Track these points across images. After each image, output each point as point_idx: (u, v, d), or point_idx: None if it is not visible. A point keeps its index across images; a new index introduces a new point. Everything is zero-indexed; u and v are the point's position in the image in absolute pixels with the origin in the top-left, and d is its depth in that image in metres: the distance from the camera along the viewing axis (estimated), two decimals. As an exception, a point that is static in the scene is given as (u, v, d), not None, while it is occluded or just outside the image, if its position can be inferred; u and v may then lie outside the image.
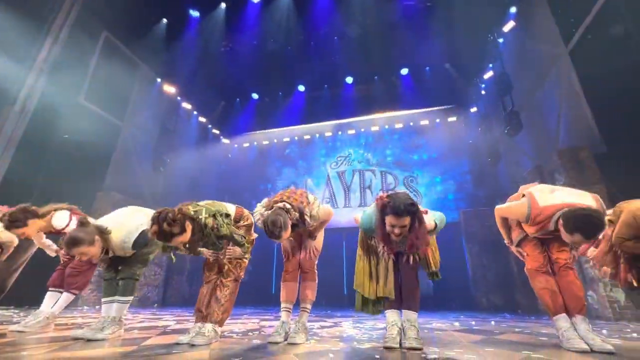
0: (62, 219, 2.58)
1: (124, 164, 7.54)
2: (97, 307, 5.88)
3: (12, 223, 2.36)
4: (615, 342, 2.07)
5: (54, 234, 2.64)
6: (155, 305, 7.18)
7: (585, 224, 1.69)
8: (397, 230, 1.72)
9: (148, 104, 8.41)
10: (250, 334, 2.47)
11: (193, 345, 1.81)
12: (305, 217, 1.99)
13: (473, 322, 3.61)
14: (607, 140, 4.77)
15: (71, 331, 2.15)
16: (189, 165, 9.84)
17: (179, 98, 9.38)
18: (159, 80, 8.73)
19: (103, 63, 6.90)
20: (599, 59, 4.90)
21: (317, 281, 2.31)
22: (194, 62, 8.94)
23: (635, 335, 2.43)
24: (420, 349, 1.71)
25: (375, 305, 1.97)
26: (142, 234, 2.20)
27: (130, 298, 2.25)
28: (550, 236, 1.99)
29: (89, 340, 1.92)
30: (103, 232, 2.14)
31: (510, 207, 2.12)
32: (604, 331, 2.76)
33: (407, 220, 1.69)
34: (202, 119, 10.52)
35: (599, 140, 4.81)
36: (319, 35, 8.73)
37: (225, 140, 11.55)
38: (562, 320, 1.86)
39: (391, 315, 1.94)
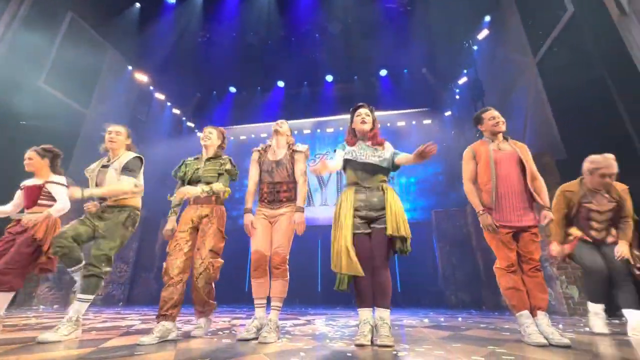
0: None
1: (89, 154, 7.07)
2: (55, 306, 5.50)
3: None
4: (570, 335, 2.20)
5: None
6: (120, 303, 6.85)
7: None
8: (363, 116, 2.27)
9: (117, 92, 7.96)
10: (220, 333, 2.40)
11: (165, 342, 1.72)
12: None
13: (442, 319, 3.73)
14: (567, 147, 5.09)
15: (21, 333, 1.98)
16: (161, 158, 9.44)
17: (151, 87, 8.97)
18: (130, 67, 8.30)
19: (67, 45, 6.45)
20: (563, 71, 5.21)
21: (288, 278, 2.21)
22: (168, 50, 8.57)
23: (587, 329, 2.61)
24: (391, 347, 1.72)
25: (346, 280, 1.92)
26: (136, 158, 2.49)
27: (92, 297, 2.10)
28: (524, 232, 2.09)
29: (39, 342, 1.78)
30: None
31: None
32: (560, 325, 2.95)
33: (368, 110, 2.30)
34: (176, 111, 10.14)
35: (561, 147, 5.13)
36: (300, 32, 8.66)
37: (201, 134, 11.20)
38: (524, 316, 1.96)
39: (363, 312, 1.94)
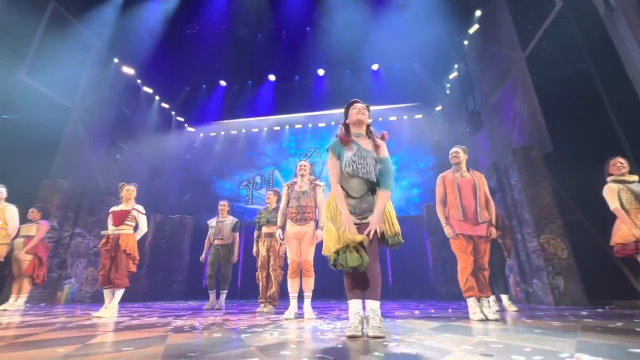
0: None
1: (75, 149, 6.92)
2: (42, 304, 5.40)
3: None
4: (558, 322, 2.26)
5: None
6: (110, 301, 6.75)
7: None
8: (359, 109, 2.17)
9: (103, 86, 7.76)
10: (212, 327, 2.38)
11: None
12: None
13: (432, 310, 3.79)
14: (554, 141, 5.18)
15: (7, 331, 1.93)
16: (150, 153, 9.29)
17: (139, 81, 8.76)
18: (116, 60, 8.08)
19: (50, 37, 6.24)
20: (551, 65, 5.29)
21: (313, 277, 3.33)
22: (155, 43, 8.35)
23: (572, 317, 2.68)
24: (382, 337, 1.73)
25: (350, 255, 1.84)
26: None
27: None
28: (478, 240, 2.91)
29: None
30: None
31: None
32: (541, 313, 3.02)
33: (363, 105, 2.20)
34: (165, 105, 9.95)
35: (548, 141, 5.22)
36: (291, 25, 8.56)
37: (191, 129, 11.03)
38: (472, 300, 2.81)
39: (354, 304, 1.95)
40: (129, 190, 3.87)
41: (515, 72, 6.16)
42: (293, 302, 3.23)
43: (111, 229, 3.70)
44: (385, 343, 1.62)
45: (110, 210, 3.82)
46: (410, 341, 1.67)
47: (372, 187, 2.08)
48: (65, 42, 6.49)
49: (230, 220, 5.03)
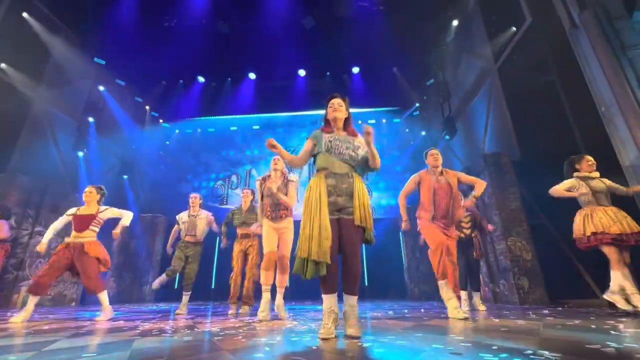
0: None
1: (37, 142, 6.49)
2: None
3: None
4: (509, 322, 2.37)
5: None
6: (73, 304, 6.37)
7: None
8: (336, 106, 2.21)
9: (70, 76, 7.33)
10: (182, 331, 2.30)
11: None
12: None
13: (406, 311, 3.87)
14: (522, 149, 5.46)
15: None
16: (120, 149, 8.88)
17: (110, 72, 8.34)
18: (86, 49, 7.65)
19: (12, 21, 5.81)
20: (520, 77, 5.57)
21: (289, 272, 3.19)
22: (131, 34, 8.00)
23: (534, 316, 2.83)
24: (358, 337, 1.74)
25: (312, 267, 1.84)
26: None
27: None
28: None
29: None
30: None
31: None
32: (508, 312, 3.17)
33: (340, 100, 2.24)
34: (139, 99, 9.54)
35: (516, 148, 5.49)
36: (273, 23, 8.47)
37: (165, 124, 10.64)
38: (444, 283, 2.95)
39: (328, 299, 1.90)
40: (86, 193, 3.52)
41: (488, 82, 6.44)
42: (266, 296, 3.10)
43: (74, 235, 3.35)
44: (359, 343, 1.63)
45: (70, 213, 3.48)
46: (384, 341, 1.69)
47: (351, 169, 2.09)
48: (29, 27, 6.08)
49: (204, 215, 4.60)
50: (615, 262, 2.85)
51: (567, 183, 3.29)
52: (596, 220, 2.98)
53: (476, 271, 4.17)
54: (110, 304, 3.33)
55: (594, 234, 2.95)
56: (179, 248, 4.45)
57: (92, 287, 3.21)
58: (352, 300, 1.91)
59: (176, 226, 4.67)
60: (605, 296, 2.94)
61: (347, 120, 2.27)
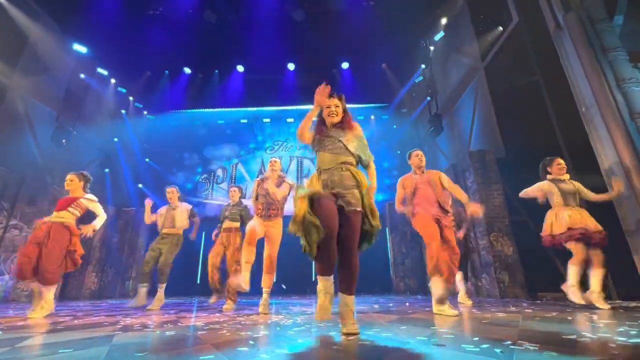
0: None
1: (12, 132, 6.20)
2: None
3: None
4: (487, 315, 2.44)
5: None
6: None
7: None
8: (332, 109, 2.16)
9: (48, 63, 7.02)
10: (165, 325, 2.26)
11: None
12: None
13: (391, 304, 3.92)
14: (506, 146, 5.59)
15: None
16: (102, 141, 8.60)
17: (92, 61, 8.04)
18: (66, 36, 7.33)
19: (-17, 2, 5.50)
20: (506, 76, 5.68)
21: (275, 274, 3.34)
22: (114, 21, 7.71)
23: (514, 308, 2.91)
24: (356, 334, 1.67)
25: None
26: None
27: None
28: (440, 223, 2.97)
29: None
30: None
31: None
32: (492, 308, 3.25)
33: (337, 101, 2.19)
34: (122, 89, 9.24)
35: (501, 146, 5.61)
36: (263, 15, 8.32)
37: (150, 116, 10.35)
38: (436, 279, 2.86)
39: (322, 283, 1.82)
40: (67, 182, 3.43)
41: (475, 80, 6.53)
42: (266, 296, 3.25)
43: (54, 214, 3.29)
44: (345, 336, 1.63)
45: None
46: (369, 334, 1.70)
47: (343, 158, 2.04)
48: (3, 11, 5.77)
49: (184, 207, 4.49)
50: (576, 258, 3.05)
51: (538, 185, 3.47)
52: (563, 220, 3.14)
53: (464, 268, 4.26)
54: (90, 299, 3.24)
55: (563, 232, 3.13)
56: (154, 242, 4.32)
57: (48, 274, 3.02)
58: (348, 299, 1.79)
59: (154, 215, 4.48)
60: (562, 287, 3.18)
61: (342, 121, 2.19)
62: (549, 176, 3.47)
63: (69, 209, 3.33)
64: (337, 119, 2.16)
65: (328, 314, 1.75)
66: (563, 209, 3.22)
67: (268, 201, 3.39)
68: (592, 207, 3.35)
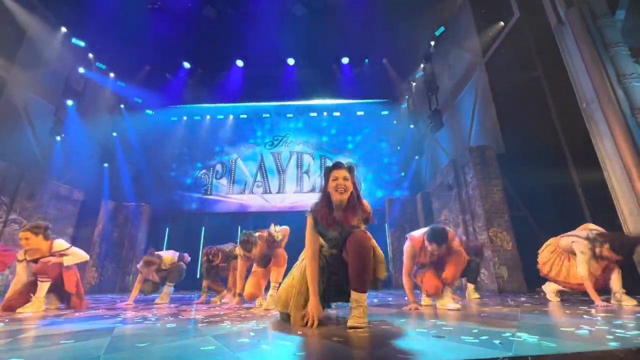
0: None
1: (11, 126, 6.18)
2: None
3: None
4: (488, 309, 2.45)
5: None
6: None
7: (434, 234, 2.68)
8: (340, 182, 1.82)
9: (47, 57, 6.97)
10: (166, 318, 2.27)
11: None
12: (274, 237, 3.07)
13: (390, 299, 3.94)
14: (506, 142, 5.58)
15: None
16: (101, 135, 8.57)
17: (90, 55, 7.99)
18: (64, 29, 7.28)
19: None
20: (506, 71, 5.66)
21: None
22: (112, 15, 7.64)
23: (513, 302, 2.93)
24: (361, 328, 1.63)
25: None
26: None
27: None
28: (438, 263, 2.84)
29: None
30: None
31: (405, 254, 2.94)
32: (489, 301, 3.27)
33: (347, 173, 1.86)
34: (121, 84, 9.19)
35: (501, 142, 5.60)
36: (262, 9, 8.26)
37: (149, 111, 10.31)
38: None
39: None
40: (23, 241, 3.00)
41: (476, 76, 6.50)
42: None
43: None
44: (345, 328, 1.64)
45: (20, 260, 3.08)
46: (369, 326, 1.71)
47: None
48: (1, 4, 5.72)
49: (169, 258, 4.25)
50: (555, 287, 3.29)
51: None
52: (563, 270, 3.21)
53: (474, 268, 4.17)
54: (90, 294, 3.24)
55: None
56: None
57: (45, 269, 2.98)
58: (358, 296, 1.72)
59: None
60: (543, 287, 3.43)
61: (350, 199, 1.86)
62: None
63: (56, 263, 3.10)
64: (346, 196, 1.84)
65: (319, 313, 1.78)
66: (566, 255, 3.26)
67: (262, 253, 3.13)
68: (593, 209, 3.30)
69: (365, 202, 1.95)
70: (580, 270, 2.89)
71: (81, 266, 7.05)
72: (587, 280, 2.83)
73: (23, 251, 3.06)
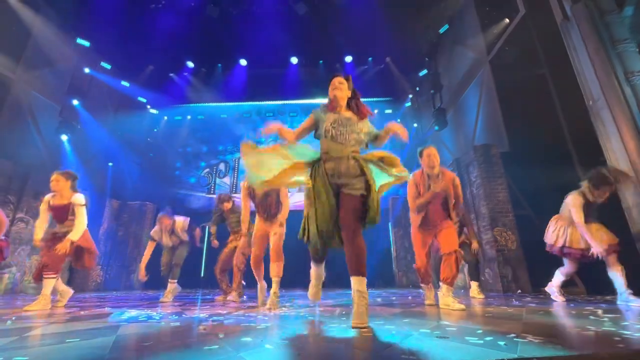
0: None
1: (17, 126, 6.24)
2: None
3: None
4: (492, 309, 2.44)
5: None
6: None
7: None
8: (336, 84, 2.11)
9: (52, 57, 7.02)
10: (170, 317, 2.28)
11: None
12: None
13: (394, 298, 3.94)
14: (510, 141, 5.53)
15: None
16: (106, 135, 8.63)
17: (95, 55, 8.03)
18: (69, 30, 7.32)
19: (-14, -5, 5.50)
20: (511, 69, 5.59)
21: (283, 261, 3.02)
22: (116, 15, 7.67)
23: (518, 303, 2.91)
24: (364, 327, 1.63)
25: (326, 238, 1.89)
26: None
27: None
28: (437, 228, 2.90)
29: None
30: None
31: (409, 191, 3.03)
32: (494, 301, 3.25)
33: (342, 78, 2.13)
34: (125, 83, 9.23)
35: (505, 140, 5.56)
36: (265, 8, 8.25)
37: (153, 110, 10.35)
38: (426, 288, 3.08)
39: (315, 269, 2.15)
40: (52, 182, 3.25)
41: (480, 74, 6.45)
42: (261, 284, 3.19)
43: (58, 226, 3.31)
44: (348, 328, 1.64)
45: (45, 200, 3.31)
46: (372, 326, 1.71)
47: (351, 149, 2.02)
48: (6, 5, 5.77)
49: (180, 222, 4.73)
50: (566, 270, 3.32)
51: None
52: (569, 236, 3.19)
53: (474, 264, 4.23)
54: (95, 292, 3.28)
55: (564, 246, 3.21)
56: (164, 252, 4.63)
57: (50, 262, 3.09)
58: (358, 283, 1.73)
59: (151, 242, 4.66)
60: (545, 288, 3.42)
61: (351, 99, 2.15)
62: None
63: (69, 218, 3.26)
64: (342, 93, 2.10)
65: (318, 295, 2.12)
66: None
67: (268, 202, 3.13)
68: (599, 208, 3.25)
69: (367, 110, 2.19)
70: (576, 218, 2.99)
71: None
72: (582, 226, 2.94)
73: (49, 196, 3.32)
